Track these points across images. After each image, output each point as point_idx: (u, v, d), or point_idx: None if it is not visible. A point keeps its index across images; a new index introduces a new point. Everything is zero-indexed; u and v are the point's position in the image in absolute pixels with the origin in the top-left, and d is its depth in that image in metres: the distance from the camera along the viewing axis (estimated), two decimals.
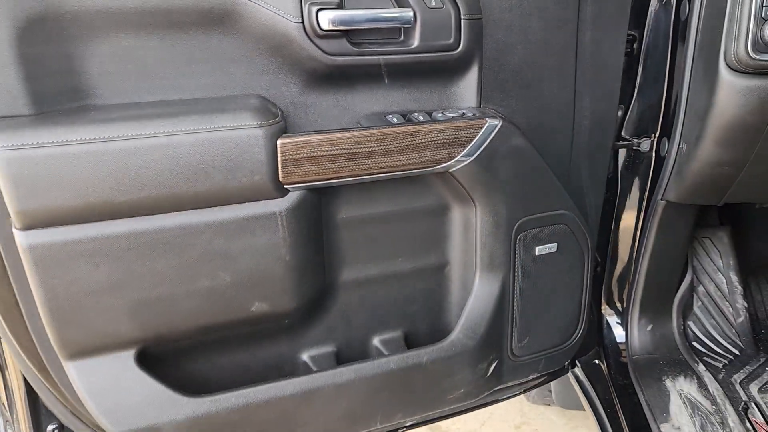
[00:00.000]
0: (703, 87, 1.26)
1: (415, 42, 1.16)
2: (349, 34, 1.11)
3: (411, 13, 1.12)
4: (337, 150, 1.10)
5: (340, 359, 1.31)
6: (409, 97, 1.23)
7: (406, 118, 1.20)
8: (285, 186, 1.10)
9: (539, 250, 1.34)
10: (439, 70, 1.23)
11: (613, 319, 1.67)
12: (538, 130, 1.33)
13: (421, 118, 1.20)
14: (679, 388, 1.49)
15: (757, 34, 1.11)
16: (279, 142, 1.06)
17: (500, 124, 1.20)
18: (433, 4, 1.15)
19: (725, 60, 1.17)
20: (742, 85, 1.17)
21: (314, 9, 1.07)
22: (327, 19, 1.07)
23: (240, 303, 1.13)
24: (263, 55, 1.10)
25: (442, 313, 1.39)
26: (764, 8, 1.11)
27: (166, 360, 1.16)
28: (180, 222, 1.05)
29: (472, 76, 1.25)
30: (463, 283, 1.35)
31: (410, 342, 1.37)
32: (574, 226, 1.37)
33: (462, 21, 1.17)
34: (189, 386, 1.16)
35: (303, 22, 1.07)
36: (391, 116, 1.19)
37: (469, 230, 1.30)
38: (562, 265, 1.38)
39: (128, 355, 1.09)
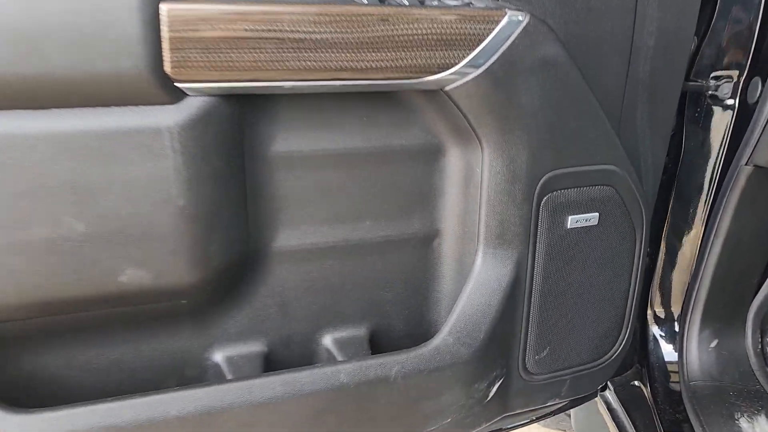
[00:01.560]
0: None
1: None
2: None
3: None
4: (266, 31, 0.69)
5: (273, 363, 0.90)
6: None
7: (383, 0, 0.78)
8: (177, 85, 0.69)
9: (573, 220, 0.92)
10: None
11: (662, 329, 1.24)
12: (582, 47, 0.91)
13: (406, 2, 0.78)
14: None
15: None
16: (164, 6, 0.65)
17: (527, 21, 0.79)
18: None
19: None
20: None
21: None
22: None
23: (102, 269, 0.72)
24: None
25: (427, 305, 0.96)
26: None
27: None
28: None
29: None
30: (458, 264, 0.93)
31: (378, 344, 0.95)
32: (625, 191, 0.94)
33: None
34: (23, 395, 0.75)
35: None
36: None
37: (471, 185, 0.88)
38: (605, 246, 0.96)
39: None
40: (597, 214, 0.93)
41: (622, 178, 0.93)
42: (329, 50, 0.72)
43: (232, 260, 0.80)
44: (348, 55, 0.73)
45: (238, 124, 0.76)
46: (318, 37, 0.71)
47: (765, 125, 1.00)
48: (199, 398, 0.76)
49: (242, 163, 0.78)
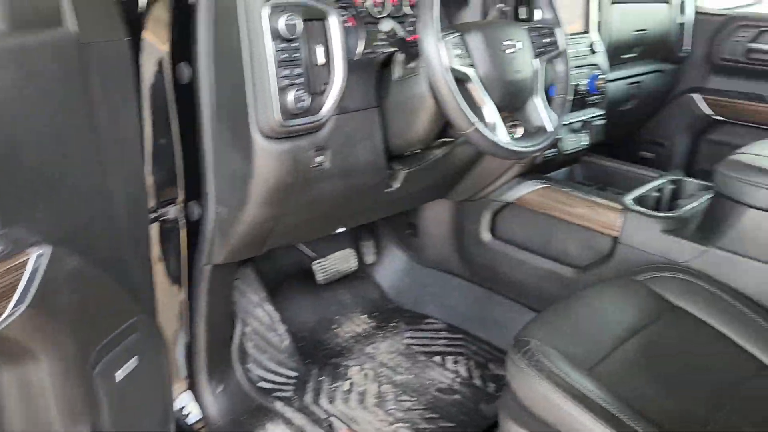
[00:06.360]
0: (236, 154, 1.25)
1: None
2: None
3: None
4: None
5: None
6: None
7: None
8: None
9: (121, 373, 1.11)
10: None
11: (184, 400, 1.55)
12: (81, 234, 1.07)
13: None
14: None
15: (284, 103, 1.16)
16: None
17: (50, 252, 0.92)
18: None
19: (258, 128, 1.19)
20: (278, 149, 1.21)
21: None
22: None
23: None
24: None
25: None
26: (280, 80, 1.16)
27: None
28: None
29: None
30: None
31: None
32: (144, 327, 1.18)
33: None
34: None
35: None
36: None
37: (32, 395, 0.96)
38: (148, 374, 1.19)
39: None
40: (136, 357, 1.14)
41: (142, 320, 1.17)
42: None
43: None
44: None
45: None
46: None
47: (212, 237, 1.39)
48: None
49: None
